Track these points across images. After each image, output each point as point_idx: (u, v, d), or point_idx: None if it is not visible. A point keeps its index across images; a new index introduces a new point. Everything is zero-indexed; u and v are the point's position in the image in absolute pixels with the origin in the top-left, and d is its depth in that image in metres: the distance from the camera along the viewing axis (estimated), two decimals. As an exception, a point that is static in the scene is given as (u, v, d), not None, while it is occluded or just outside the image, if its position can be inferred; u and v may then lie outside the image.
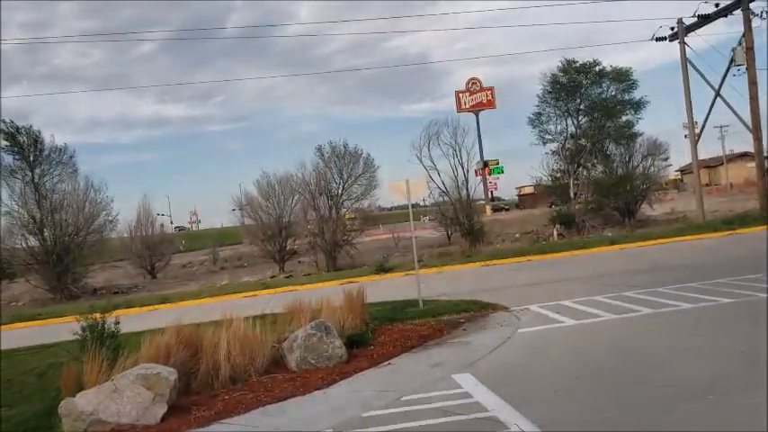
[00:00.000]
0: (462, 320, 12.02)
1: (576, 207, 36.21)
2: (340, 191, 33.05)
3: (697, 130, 31.03)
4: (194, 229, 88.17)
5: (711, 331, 9.15)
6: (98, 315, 10.01)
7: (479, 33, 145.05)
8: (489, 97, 67.01)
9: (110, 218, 34.40)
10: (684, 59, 29.20)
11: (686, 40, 29.05)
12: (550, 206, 39.54)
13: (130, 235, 42.29)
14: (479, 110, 66.56)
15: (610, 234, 32.84)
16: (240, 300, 21.80)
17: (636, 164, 38.16)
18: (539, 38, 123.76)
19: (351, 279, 23.21)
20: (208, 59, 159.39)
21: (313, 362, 9.29)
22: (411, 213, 14.17)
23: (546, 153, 38.02)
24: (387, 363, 9.42)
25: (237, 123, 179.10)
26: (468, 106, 65.84)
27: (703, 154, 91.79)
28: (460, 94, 66.68)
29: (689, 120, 30.44)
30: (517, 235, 38.89)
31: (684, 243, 23.58)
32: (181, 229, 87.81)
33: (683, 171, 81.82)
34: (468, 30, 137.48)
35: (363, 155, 33.26)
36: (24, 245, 32.80)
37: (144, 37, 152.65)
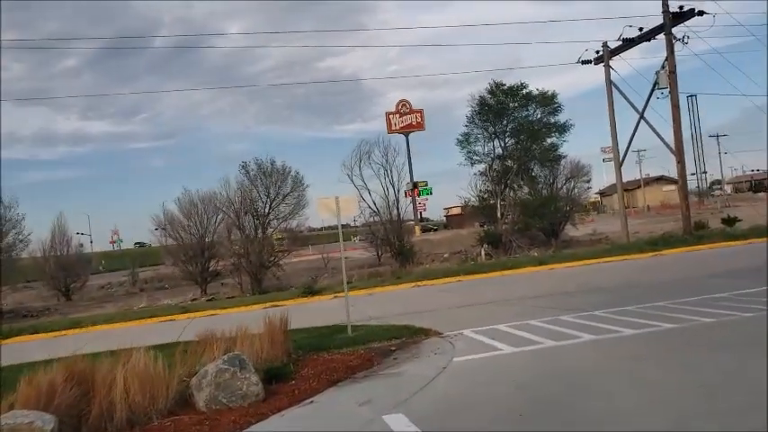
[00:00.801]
0: (393, 348, 10.99)
1: (503, 227, 35.96)
2: (267, 210, 31.64)
3: (621, 153, 31.22)
4: (115, 248, 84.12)
5: (663, 361, 8.42)
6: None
7: (411, 56, 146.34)
8: (419, 119, 67.00)
9: (20, 236, 31.76)
10: (609, 82, 29.41)
11: (611, 63, 29.29)
12: (482, 226, 39.20)
13: (44, 255, 39.52)
14: (409, 131, 66.42)
15: (536, 254, 32.71)
16: (156, 324, 20.14)
17: (559, 185, 38.41)
18: (469, 63, 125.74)
19: (276, 303, 21.87)
20: (134, 76, 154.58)
21: (225, 401, 8.04)
22: (341, 232, 13.10)
23: (474, 174, 37.83)
24: (309, 400, 8.25)
25: (163, 141, 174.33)
26: (398, 127, 65.61)
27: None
28: (391, 116, 66.39)
29: (612, 142, 30.64)
30: (446, 255, 38.38)
31: (611, 264, 23.39)
32: (141, 245, 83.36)
33: (602, 194, 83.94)
34: (399, 52, 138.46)
35: (292, 173, 32.01)
36: None
37: (69, 51, 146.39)
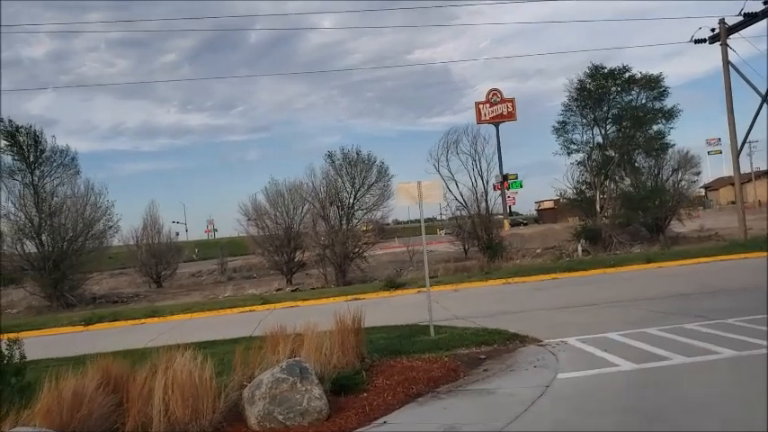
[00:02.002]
0: (483, 356, 9.33)
1: (603, 221, 33.27)
2: (351, 200, 30.45)
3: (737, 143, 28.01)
4: (210, 238, 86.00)
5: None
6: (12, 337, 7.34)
7: (503, 47, 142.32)
8: (510, 109, 64.30)
9: (110, 224, 32.01)
10: (726, 63, 26.31)
11: (728, 42, 26.18)
12: (582, 221, 36.55)
13: (136, 242, 40.15)
14: (500, 122, 63.85)
15: (639, 251, 30.03)
16: (234, 315, 19.32)
17: (665, 177, 35.26)
18: (565, 52, 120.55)
19: (357, 296, 20.62)
20: (230, 69, 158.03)
21: (281, 418, 6.66)
22: (422, 219, 11.53)
23: (570, 164, 35.21)
24: (382, 421, 6.76)
25: (258, 134, 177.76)
26: (488, 118, 63.13)
27: (726, 171, 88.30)
28: (481, 105, 64.06)
29: (729, 128, 27.44)
30: (539, 250, 36.03)
31: (728, 263, 20.69)
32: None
33: (707, 188, 78.44)
34: (491, 43, 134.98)
35: (377, 162, 30.65)
36: (21, 249, 30.53)
37: (169, 47, 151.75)
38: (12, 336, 7.19)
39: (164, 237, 40.83)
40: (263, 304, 20.42)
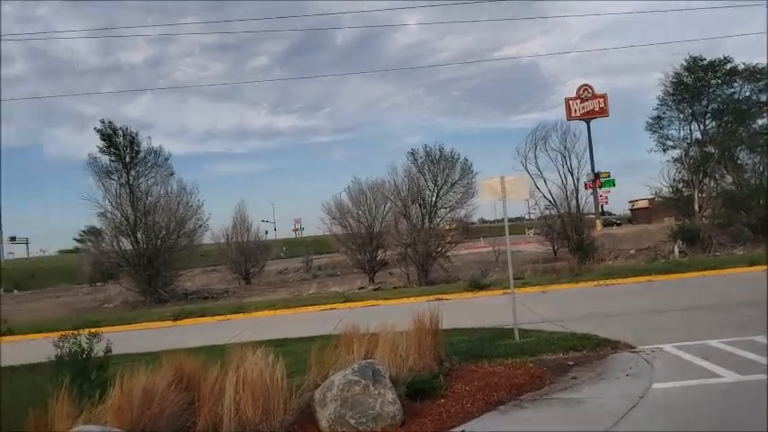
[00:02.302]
0: (571, 363, 8.74)
1: (701, 221, 31.34)
2: (434, 198, 30.00)
3: None
4: (297, 236, 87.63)
5: None
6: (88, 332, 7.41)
7: (593, 41, 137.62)
8: (602, 105, 61.87)
9: (200, 222, 32.99)
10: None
11: None
12: (678, 221, 34.67)
13: (226, 241, 41.31)
14: (591, 118, 61.52)
15: (741, 252, 28.09)
16: (315, 313, 19.33)
17: (772, 175, 32.89)
18: (657, 47, 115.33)
19: (440, 296, 20.19)
20: (318, 72, 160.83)
21: (353, 422, 6.38)
22: (506, 217, 11.00)
23: (666, 162, 33.38)
24: (460, 430, 6.37)
25: (343, 135, 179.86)
26: (578, 114, 60.98)
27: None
28: (571, 102, 61.99)
29: None
30: (632, 251, 34.37)
31: None
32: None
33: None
34: (580, 39, 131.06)
35: (460, 160, 30.04)
36: (117, 246, 31.92)
37: (260, 50, 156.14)
38: (93, 330, 7.24)
39: (252, 235, 41.76)
40: (344, 302, 20.35)
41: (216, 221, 54.01)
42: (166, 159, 32.78)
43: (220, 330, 16.93)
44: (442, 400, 7.29)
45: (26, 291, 60.73)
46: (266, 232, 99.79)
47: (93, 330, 7.26)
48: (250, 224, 41.78)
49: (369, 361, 7.00)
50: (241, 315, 20.12)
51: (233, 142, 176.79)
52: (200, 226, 33.12)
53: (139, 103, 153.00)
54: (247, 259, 40.23)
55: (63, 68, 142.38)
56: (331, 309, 19.72)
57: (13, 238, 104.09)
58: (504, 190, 10.37)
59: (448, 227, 32.01)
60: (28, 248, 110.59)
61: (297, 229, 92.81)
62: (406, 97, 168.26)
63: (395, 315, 15.30)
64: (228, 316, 20.10)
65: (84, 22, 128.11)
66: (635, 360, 8.61)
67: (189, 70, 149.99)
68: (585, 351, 9.31)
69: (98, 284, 47.42)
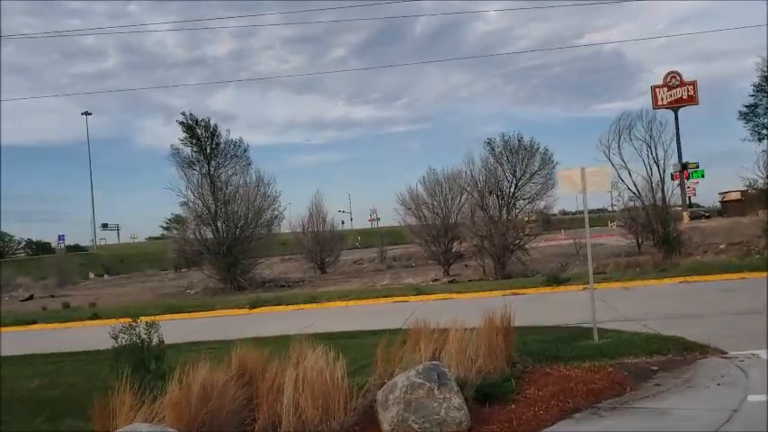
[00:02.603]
0: (655, 368, 8.07)
1: (801, 216, 29.16)
2: (512, 189, 29.16)
3: None
4: (373, 226, 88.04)
5: None
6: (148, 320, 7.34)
7: (681, 28, 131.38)
8: (691, 93, 58.77)
9: (276, 212, 33.47)
10: None
11: None
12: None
13: (303, 230, 41.78)
14: (679, 106, 58.57)
15: None
16: (387, 305, 19.08)
17: None
18: (753, 29, 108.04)
19: (516, 290, 19.54)
20: (395, 61, 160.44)
21: (416, 427, 6.02)
22: (586, 210, 10.33)
23: (762, 151, 31.12)
24: (530, 439, 5.91)
25: (420, 124, 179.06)
26: (665, 102, 58.11)
27: None
28: (657, 90, 59.17)
29: None
30: (722, 246, 32.40)
31: None
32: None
33: None
34: (667, 25, 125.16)
35: (540, 150, 29.05)
36: (199, 235, 32.78)
37: (338, 42, 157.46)
38: (149, 319, 7.19)
39: (328, 225, 42.04)
40: (416, 295, 20.02)
41: (294, 211, 54.96)
42: (245, 150, 33.39)
43: (293, 320, 16.95)
44: (513, 406, 6.83)
45: (115, 275, 63.64)
46: (342, 222, 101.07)
47: (149, 319, 7.19)
48: (326, 214, 42.14)
49: (434, 363, 6.62)
50: (315, 305, 20.12)
51: (311, 133, 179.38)
52: (277, 216, 33.58)
53: (223, 96, 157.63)
54: (322, 249, 40.55)
55: (152, 62, 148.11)
56: (403, 301, 19.43)
57: (105, 225, 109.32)
58: (584, 182, 9.72)
59: (527, 218, 31.13)
60: (119, 235, 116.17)
61: (372, 220, 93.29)
62: (483, 86, 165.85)
63: (467, 310, 14.89)
64: (302, 305, 20.15)
65: (171, 16, 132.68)
66: (727, 367, 7.86)
67: (270, 63, 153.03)
68: (671, 355, 8.59)
69: (182, 270, 49.16)
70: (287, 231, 42.41)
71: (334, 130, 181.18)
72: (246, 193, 32.50)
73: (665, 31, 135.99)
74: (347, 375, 6.82)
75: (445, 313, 16.08)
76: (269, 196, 32.68)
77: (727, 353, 8.52)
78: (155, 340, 6.95)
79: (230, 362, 6.72)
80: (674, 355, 8.60)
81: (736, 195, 62.76)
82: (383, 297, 20.30)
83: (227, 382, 6.22)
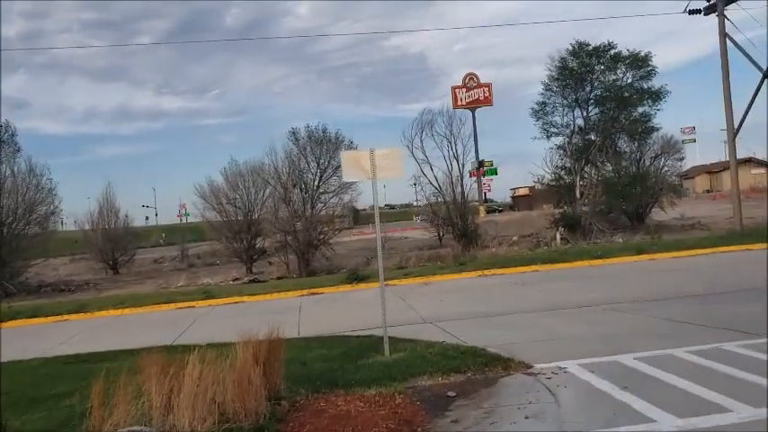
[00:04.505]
0: (452, 393, 6.39)
1: (582, 209, 30.53)
2: (317, 183, 27.33)
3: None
4: (182, 222, 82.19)
5: None
6: None
7: (480, 35, 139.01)
8: (486, 94, 61.33)
9: (51, 207, 28.65)
10: (723, 35, 23.44)
11: (726, 12, 23.36)
12: (558, 207, 33.81)
13: (92, 227, 36.70)
14: (476, 107, 60.80)
15: (620, 240, 27.45)
16: (168, 312, 16.26)
17: (647, 163, 32.67)
18: (542, 40, 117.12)
19: (314, 289, 17.67)
20: (206, 53, 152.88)
21: None
22: (376, 201, 8.49)
23: (550, 148, 32.23)
24: None
25: (234, 118, 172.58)
26: (464, 102, 60.01)
27: (700, 159, 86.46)
28: (457, 90, 60.97)
29: (725, 109, 24.61)
30: (515, 238, 33.20)
31: (730, 255, 18.07)
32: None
33: (683, 176, 76.55)
34: (467, 30, 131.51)
35: (345, 142, 27.46)
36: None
37: (145, 28, 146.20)
38: None
39: (121, 221, 37.32)
40: (205, 299, 17.37)
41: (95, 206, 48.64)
42: (12, 135, 28.17)
43: (45, 337, 13.68)
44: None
45: None
46: (147, 218, 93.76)
47: None
48: (118, 209, 37.27)
49: (135, 430, 4.29)
50: (82, 315, 16.71)
51: (116, 124, 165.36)
52: (54, 211, 28.80)
53: (13, 81, 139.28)
54: (115, 247, 35.88)
55: None
56: (189, 307, 16.69)
57: None
58: (373, 166, 7.89)
59: (332, 213, 29.46)
60: None
61: (182, 215, 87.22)
62: (297, 82, 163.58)
63: (254, 317, 12.65)
64: (66, 316, 16.64)
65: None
66: (533, 387, 6.39)
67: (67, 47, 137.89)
68: (470, 373, 7.01)
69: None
70: (76, 229, 37.06)
71: (144, 121, 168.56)
72: (15, 184, 27.36)
73: (464, 38, 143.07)
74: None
75: (229, 321, 13.74)
76: (42, 188, 27.80)
77: (531, 366, 7.11)
78: None
79: None
80: (475, 371, 7.03)
81: (525, 191, 66.82)
82: (166, 303, 17.34)
83: None
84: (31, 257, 29.01)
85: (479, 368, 7.11)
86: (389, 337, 8.32)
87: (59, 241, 41.46)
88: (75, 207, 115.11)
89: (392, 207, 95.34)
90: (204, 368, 5.57)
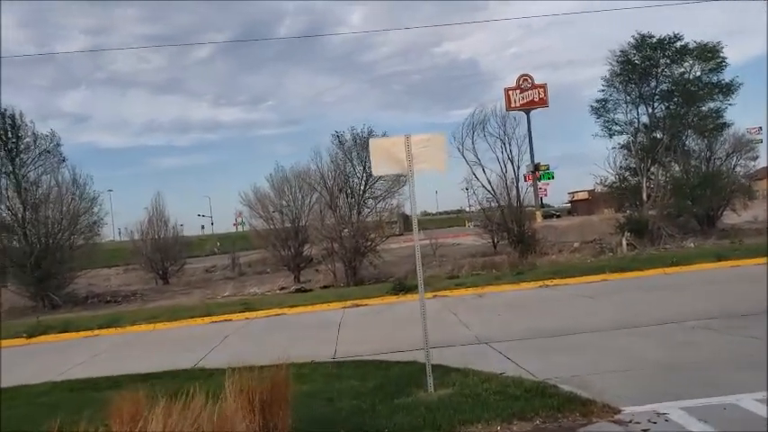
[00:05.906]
0: (517, 452, 4.74)
1: (650, 212, 28.09)
2: (363, 187, 25.87)
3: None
4: (238, 230, 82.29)
5: None
6: None
7: (532, 37, 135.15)
8: (541, 95, 58.68)
9: (95, 217, 28.04)
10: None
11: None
12: (618, 212, 31.40)
13: (142, 237, 36.21)
14: (531, 108, 58.26)
15: (692, 245, 25.01)
16: (203, 326, 15.02)
17: (719, 162, 29.96)
18: (598, 40, 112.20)
19: (358, 301, 16.18)
20: (261, 64, 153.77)
21: None
22: (413, 199, 6.87)
23: (612, 148, 29.85)
24: None
25: (289, 127, 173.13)
26: (518, 104, 57.51)
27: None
28: (510, 92, 58.57)
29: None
30: (576, 244, 30.94)
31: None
32: None
33: (751, 177, 72.03)
34: (519, 34, 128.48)
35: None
36: (-1, 244, 26.71)
37: (201, 43, 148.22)
38: None
39: (170, 230, 36.72)
40: (243, 312, 16.07)
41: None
42: (57, 145, 27.71)
43: (68, 355, 12.59)
44: None
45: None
46: (203, 227, 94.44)
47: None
48: (167, 218, 36.66)
49: None
50: (113, 330, 15.66)
51: (174, 135, 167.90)
52: (96, 222, 28.16)
53: (74, 96, 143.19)
54: (164, 257, 35.27)
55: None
56: (225, 320, 15.45)
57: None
58: (409, 155, 6.30)
59: (379, 219, 27.95)
60: None
61: (237, 224, 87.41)
62: (349, 90, 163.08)
63: (293, 331, 11.24)
64: (97, 331, 15.60)
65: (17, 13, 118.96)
66: (626, 444, 4.67)
67: (127, 61, 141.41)
68: (539, 420, 5.32)
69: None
70: (123, 239, 36.68)
71: (200, 132, 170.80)
72: (59, 194, 26.85)
73: (516, 41, 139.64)
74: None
75: (263, 337, 12.36)
76: (85, 198, 27.19)
77: (619, 411, 5.37)
78: None
79: None
80: (545, 419, 5.32)
81: (584, 195, 63.87)
82: (201, 317, 16.11)
83: None
84: (78, 268, 28.50)
85: (551, 413, 5.39)
86: (435, 364, 6.71)
87: (114, 251, 41.45)
88: (132, 218, 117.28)
89: (447, 213, 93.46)
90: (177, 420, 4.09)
